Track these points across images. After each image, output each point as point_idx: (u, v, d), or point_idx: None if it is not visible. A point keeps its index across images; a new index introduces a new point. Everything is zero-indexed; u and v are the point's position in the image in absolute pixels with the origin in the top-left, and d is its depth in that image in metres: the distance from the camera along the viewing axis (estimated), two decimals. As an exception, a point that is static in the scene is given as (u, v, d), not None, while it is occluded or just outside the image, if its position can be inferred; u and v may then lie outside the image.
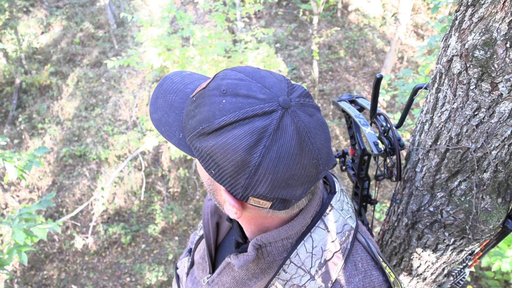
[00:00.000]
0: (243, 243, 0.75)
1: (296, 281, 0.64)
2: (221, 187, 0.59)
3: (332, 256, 0.65)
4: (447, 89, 0.83)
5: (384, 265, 0.69)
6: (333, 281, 0.64)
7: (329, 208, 0.68)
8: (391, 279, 0.67)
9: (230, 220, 0.80)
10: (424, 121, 0.95)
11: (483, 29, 0.71)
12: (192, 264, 0.95)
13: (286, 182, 0.53)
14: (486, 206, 0.88)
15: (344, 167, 1.33)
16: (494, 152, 0.81)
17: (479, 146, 0.81)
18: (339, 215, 0.68)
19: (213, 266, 0.84)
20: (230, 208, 0.59)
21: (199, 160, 0.57)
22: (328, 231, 0.66)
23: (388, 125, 1.00)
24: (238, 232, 0.76)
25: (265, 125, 0.51)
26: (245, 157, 0.51)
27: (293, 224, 0.64)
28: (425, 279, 1.13)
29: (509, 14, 0.66)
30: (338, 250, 0.65)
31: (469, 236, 0.92)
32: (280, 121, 0.52)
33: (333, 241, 0.65)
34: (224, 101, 0.53)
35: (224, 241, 0.85)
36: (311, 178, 0.56)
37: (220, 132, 0.52)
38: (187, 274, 0.95)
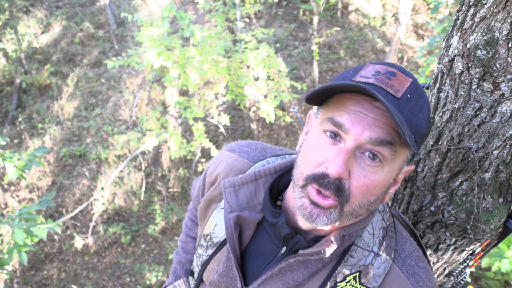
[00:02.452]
0: (306, 243, 0.70)
1: (362, 262, 0.70)
2: (403, 170, 0.67)
3: (387, 232, 0.74)
4: (449, 89, 0.83)
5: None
6: (393, 251, 0.72)
7: None
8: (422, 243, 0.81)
9: (274, 218, 0.74)
10: (425, 121, 0.95)
11: (485, 29, 0.71)
12: (198, 286, 0.91)
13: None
14: (487, 206, 0.88)
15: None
16: (495, 152, 0.81)
17: (480, 146, 0.81)
18: None
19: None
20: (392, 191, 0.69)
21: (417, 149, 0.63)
22: (379, 211, 0.75)
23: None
24: (285, 229, 0.71)
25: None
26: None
27: (374, 211, 0.72)
28: (426, 279, 1.13)
29: (511, 14, 0.66)
30: (388, 225, 0.75)
31: (470, 236, 0.92)
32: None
33: (382, 219, 0.75)
34: None
35: (246, 251, 0.79)
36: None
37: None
38: None
